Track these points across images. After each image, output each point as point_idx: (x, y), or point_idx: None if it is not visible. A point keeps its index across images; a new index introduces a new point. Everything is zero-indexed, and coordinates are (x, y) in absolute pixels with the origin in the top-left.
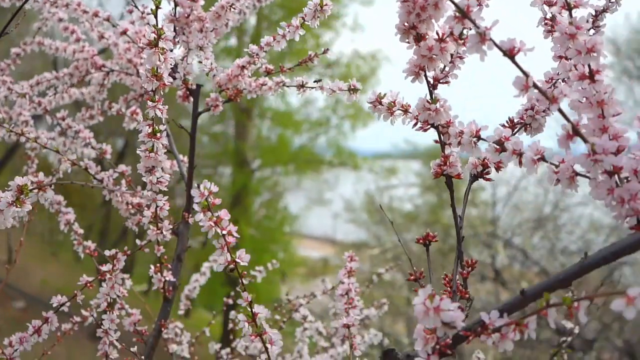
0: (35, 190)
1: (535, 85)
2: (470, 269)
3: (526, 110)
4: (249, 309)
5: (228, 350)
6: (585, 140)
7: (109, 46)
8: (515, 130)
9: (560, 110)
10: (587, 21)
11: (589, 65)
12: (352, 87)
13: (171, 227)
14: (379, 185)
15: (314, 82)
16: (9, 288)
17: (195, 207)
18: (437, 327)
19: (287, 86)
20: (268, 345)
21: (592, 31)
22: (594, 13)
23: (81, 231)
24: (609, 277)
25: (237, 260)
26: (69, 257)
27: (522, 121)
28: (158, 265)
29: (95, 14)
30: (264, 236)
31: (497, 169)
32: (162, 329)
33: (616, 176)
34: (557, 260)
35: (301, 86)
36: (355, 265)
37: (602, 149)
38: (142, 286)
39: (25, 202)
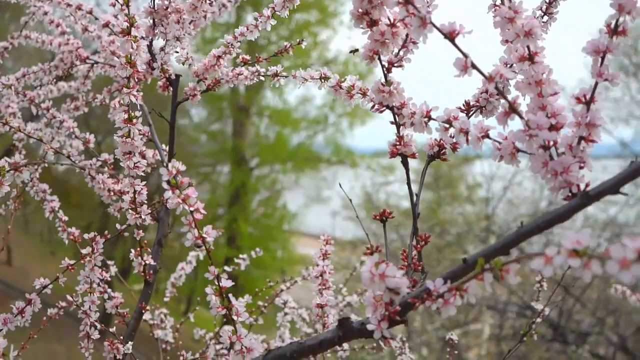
0: (12, 172)
1: (473, 66)
2: (424, 242)
3: (481, 93)
4: (217, 283)
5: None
6: (521, 117)
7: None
8: (471, 112)
9: (497, 89)
10: (540, 8)
11: (527, 47)
12: (322, 75)
13: (150, 211)
14: (375, 182)
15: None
16: (8, 287)
17: (164, 185)
18: (384, 293)
19: (263, 76)
20: (234, 317)
21: (545, 17)
22: (547, 0)
23: (66, 218)
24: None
25: (204, 235)
26: (68, 257)
27: (477, 104)
28: (138, 249)
29: (79, 7)
30: (262, 234)
31: (454, 149)
32: (143, 311)
33: (553, 151)
34: None
35: (275, 75)
36: (330, 249)
37: (536, 124)
38: (140, 285)
39: (3, 184)
